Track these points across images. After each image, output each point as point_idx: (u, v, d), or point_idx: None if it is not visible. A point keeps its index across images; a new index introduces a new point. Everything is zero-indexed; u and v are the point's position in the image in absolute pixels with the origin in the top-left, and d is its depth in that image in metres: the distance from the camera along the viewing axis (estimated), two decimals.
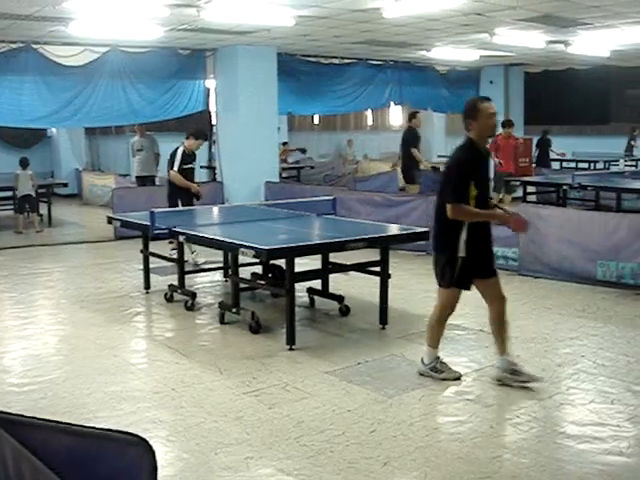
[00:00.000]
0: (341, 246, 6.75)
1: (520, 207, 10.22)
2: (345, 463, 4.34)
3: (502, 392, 5.50)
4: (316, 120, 23.93)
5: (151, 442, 3.21)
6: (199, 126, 12.89)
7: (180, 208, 9.33)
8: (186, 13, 10.13)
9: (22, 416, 2.40)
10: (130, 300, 8.56)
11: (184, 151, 10.16)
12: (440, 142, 25.52)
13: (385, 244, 7.25)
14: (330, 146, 24.28)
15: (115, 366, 6.21)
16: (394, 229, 8.26)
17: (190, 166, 10.27)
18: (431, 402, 5.32)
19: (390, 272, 7.25)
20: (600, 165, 19.50)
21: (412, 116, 13.64)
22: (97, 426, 1.99)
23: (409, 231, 7.76)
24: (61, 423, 2.23)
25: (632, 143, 20.49)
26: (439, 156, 24.10)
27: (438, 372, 5.75)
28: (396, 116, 26.04)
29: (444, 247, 5.54)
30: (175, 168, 10.10)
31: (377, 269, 7.27)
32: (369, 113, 25.21)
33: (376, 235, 7.34)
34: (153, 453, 2.09)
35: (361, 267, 7.47)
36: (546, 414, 5.11)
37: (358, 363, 6.18)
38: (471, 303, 8.22)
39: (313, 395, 5.44)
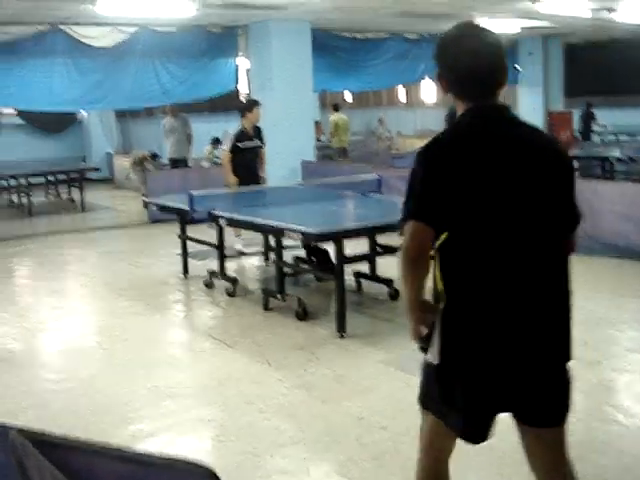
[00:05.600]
0: (392, 227, 6.34)
1: None
2: (414, 464, 3.96)
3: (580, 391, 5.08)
4: (348, 98, 23.45)
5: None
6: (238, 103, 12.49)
7: (220, 190, 8.88)
8: None
9: (62, 438, 2.08)
10: (169, 287, 8.25)
11: (241, 129, 9.59)
12: None
13: None
14: (362, 124, 23.82)
15: (157, 359, 5.89)
16: None
17: (250, 144, 9.55)
18: None
19: None
20: None
21: None
22: (150, 451, 1.62)
23: None
24: (110, 448, 1.89)
25: None
26: None
27: None
28: (429, 92, 25.47)
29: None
30: (226, 147, 9.64)
31: None
32: (402, 90, 24.67)
33: None
34: None
35: None
36: (630, 405, 4.70)
37: (414, 349, 5.78)
38: None
39: (370, 388, 5.07)
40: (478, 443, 2.61)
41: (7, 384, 5.44)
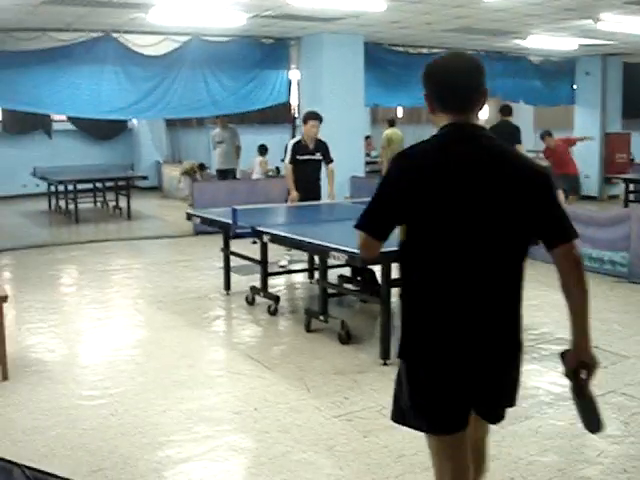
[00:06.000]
0: None
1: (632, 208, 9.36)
2: None
3: (628, 423, 4.75)
4: (399, 113, 23.15)
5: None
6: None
7: (264, 205, 8.65)
8: None
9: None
10: (209, 302, 8.04)
11: (298, 140, 9.36)
12: (529, 137, 24.43)
13: None
14: (414, 140, 23.48)
15: (192, 379, 5.67)
16: None
17: (308, 157, 9.22)
18: (551, 435, 4.60)
19: None
20: None
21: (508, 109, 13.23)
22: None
23: None
24: None
25: None
26: (528, 151, 23.10)
27: None
28: (482, 109, 25.03)
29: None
30: (286, 160, 9.34)
31: None
32: None
33: None
34: None
35: None
36: None
37: None
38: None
39: None
40: (451, 433, 2.69)
41: (38, 398, 5.26)
